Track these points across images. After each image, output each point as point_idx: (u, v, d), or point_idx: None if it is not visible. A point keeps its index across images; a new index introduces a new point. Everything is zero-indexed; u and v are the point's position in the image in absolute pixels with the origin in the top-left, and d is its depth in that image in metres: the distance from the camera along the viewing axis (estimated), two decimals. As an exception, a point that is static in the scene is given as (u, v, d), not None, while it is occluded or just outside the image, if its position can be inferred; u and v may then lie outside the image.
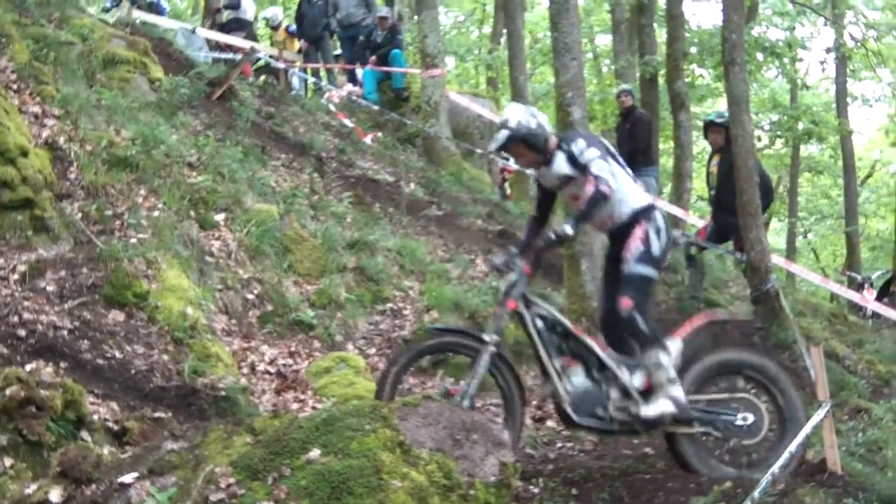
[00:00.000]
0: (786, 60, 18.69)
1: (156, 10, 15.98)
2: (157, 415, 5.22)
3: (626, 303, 5.67)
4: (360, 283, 8.59)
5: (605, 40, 29.37)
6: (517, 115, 5.85)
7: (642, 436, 6.03)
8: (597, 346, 5.78)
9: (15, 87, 7.83)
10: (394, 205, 11.23)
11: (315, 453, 3.86)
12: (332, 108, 15.07)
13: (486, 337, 5.64)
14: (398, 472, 3.86)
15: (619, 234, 5.91)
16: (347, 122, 14.39)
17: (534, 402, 7.63)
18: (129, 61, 10.44)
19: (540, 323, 5.71)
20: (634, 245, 5.76)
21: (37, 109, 7.77)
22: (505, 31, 21.08)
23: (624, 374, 5.72)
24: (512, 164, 16.72)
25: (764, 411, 5.86)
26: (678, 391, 5.61)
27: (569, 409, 5.66)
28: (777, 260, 12.08)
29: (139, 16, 14.38)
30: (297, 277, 8.30)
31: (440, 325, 6.82)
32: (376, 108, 15.80)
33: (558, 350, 5.72)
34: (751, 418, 5.80)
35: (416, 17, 17.27)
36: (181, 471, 3.85)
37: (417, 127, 14.93)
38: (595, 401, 5.68)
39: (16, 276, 5.94)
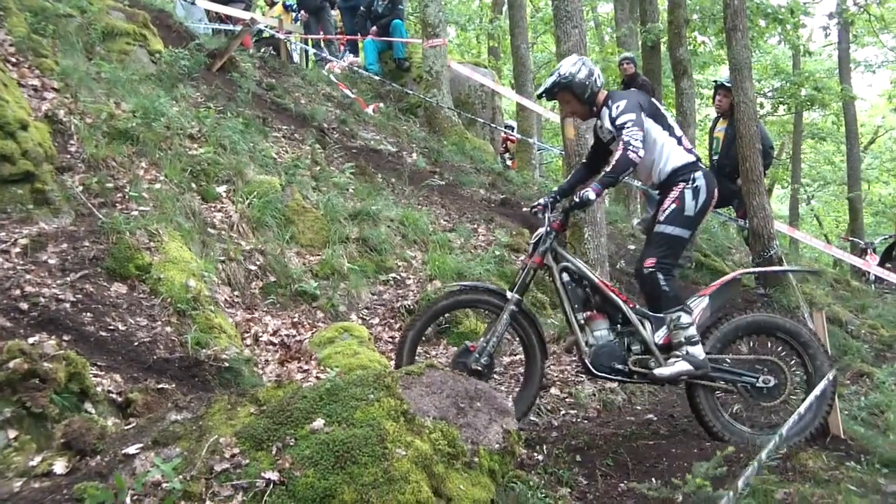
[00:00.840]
0: (788, 26, 18.55)
1: None
2: (160, 386, 5.22)
3: (648, 261, 5.83)
4: (363, 253, 8.58)
5: (606, 8, 29.26)
6: (568, 63, 6.02)
7: (662, 387, 6.13)
8: (621, 301, 5.89)
9: (13, 60, 7.79)
10: (396, 175, 11.20)
11: (319, 423, 3.86)
12: (333, 78, 15.01)
13: (508, 294, 5.84)
14: (402, 440, 3.86)
15: (661, 192, 6.04)
16: (349, 92, 14.35)
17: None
18: (128, 33, 10.37)
19: (566, 277, 5.89)
20: (668, 205, 5.88)
21: (36, 82, 7.74)
22: (506, 0, 21.00)
23: (646, 330, 5.81)
24: (514, 134, 16.74)
25: (788, 375, 5.92)
26: (697, 350, 5.71)
27: (587, 361, 5.82)
28: (780, 226, 12.08)
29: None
30: (300, 248, 8.28)
31: (462, 283, 6.73)
32: (378, 78, 15.76)
33: (583, 304, 5.89)
34: (772, 381, 5.88)
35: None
36: (185, 441, 3.85)
37: (419, 97, 14.88)
38: (614, 355, 5.83)
39: (17, 250, 5.92)
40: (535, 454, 5.57)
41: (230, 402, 4.23)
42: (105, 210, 6.76)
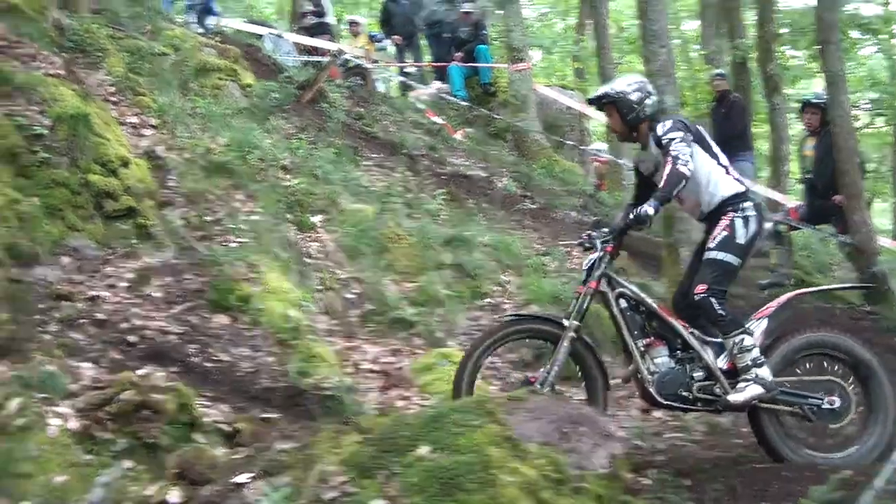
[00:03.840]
0: (883, 36, 18.15)
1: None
2: (265, 415, 5.28)
3: (699, 287, 5.61)
4: (458, 279, 8.57)
5: (691, 25, 28.97)
6: (626, 81, 5.85)
7: (725, 413, 5.98)
8: (681, 326, 5.70)
9: (113, 99, 8.03)
10: (487, 200, 11.22)
11: (424, 450, 3.85)
12: (420, 106, 15.11)
13: (565, 322, 5.56)
14: (508, 466, 3.83)
15: (710, 222, 5.84)
16: (437, 119, 14.42)
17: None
18: (220, 69, 10.62)
19: (623, 303, 5.67)
20: (718, 232, 5.68)
21: (135, 120, 7.96)
22: (590, 21, 20.94)
23: (708, 355, 5.66)
24: (603, 155, 16.63)
25: (851, 395, 5.73)
26: (765, 372, 5.54)
27: (652, 390, 5.62)
28: (884, 241, 11.74)
29: (228, 24, 14.64)
30: (396, 276, 8.31)
31: (518, 312, 6.28)
32: (465, 104, 15.81)
33: (641, 330, 5.66)
34: (837, 402, 5.68)
35: (500, 12, 17.23)
36: (293, 470, 3.88)
37: (507, 121, 14.90)
38: (678, 382, 5.62)
39: (124, 284, 6.07)
40: (642, 479, 5.47)
41: (335, 430, 4.25)
42: (205, 243, 6.89)
